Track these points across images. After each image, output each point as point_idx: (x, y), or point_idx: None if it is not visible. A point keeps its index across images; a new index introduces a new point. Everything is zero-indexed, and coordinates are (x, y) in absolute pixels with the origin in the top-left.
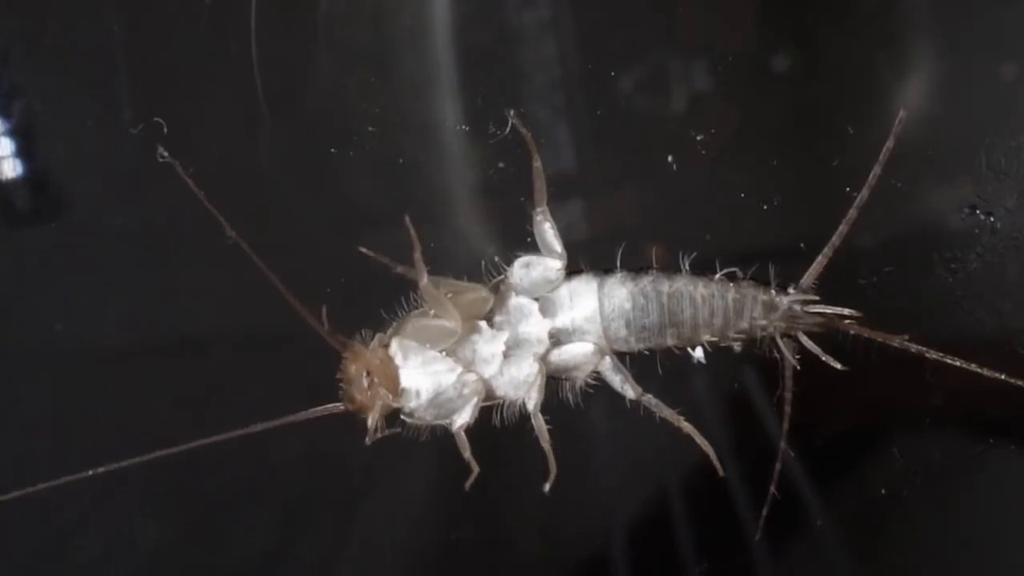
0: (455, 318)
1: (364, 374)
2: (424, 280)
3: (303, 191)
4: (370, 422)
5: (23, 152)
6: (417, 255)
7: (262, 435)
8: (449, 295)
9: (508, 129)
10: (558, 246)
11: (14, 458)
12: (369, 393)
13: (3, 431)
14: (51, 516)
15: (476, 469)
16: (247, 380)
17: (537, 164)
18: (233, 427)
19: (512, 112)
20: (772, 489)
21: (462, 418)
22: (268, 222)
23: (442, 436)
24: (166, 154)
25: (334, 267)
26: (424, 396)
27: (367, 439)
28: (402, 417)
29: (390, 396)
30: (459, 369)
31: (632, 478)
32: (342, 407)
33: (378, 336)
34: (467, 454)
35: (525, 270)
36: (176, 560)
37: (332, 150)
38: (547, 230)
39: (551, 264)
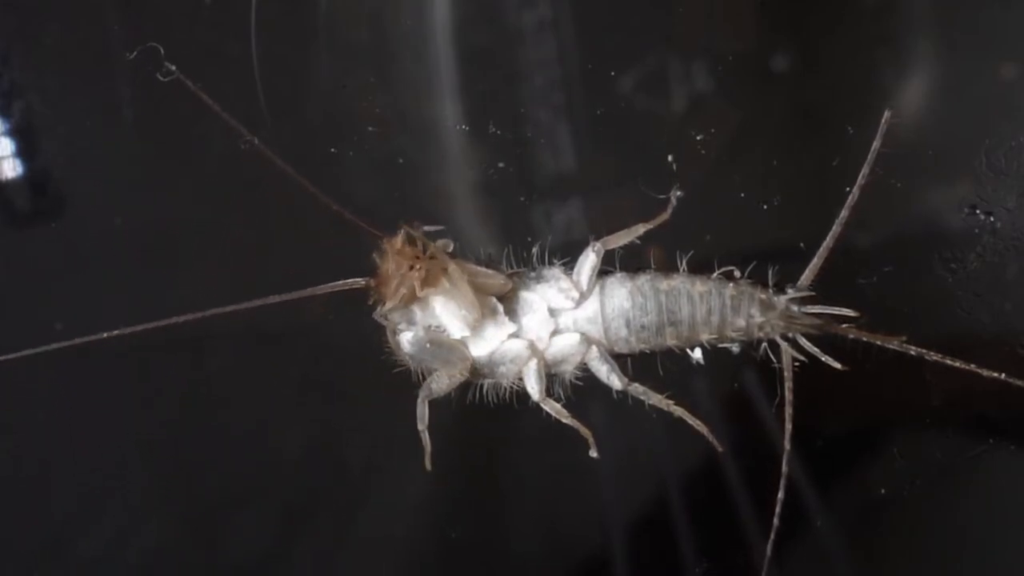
0: (475, 312)
1: (414, 258)
2: (451, 266)
3: (303, 191)
4: (389, 299)
5: (23, 152)
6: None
7: (261, 435)
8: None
9: None
10: (586, 283)
11: (14, 458)
12: (403, 276)
13: (3, 431)
14: (51, 516)
15: (428, 444)
16: (247, 379)
17: (641, 229)
18: (232, 427)
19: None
20: (778, 502)
21: (437, 385)
22: (268, 222)
23: (442, 436)
24: (173, 67)
25: (334, 267)
26: (424, 326)
27: (376, 312)
28: (387, 336)
29: (419, 289)
30: (468, 334)
31: (632, 478)
32: (362, 282)
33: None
34: (422, 426)
35: (551, 279)
36: (176, 560)
37: (332, 150)
38: (591, 264)
39: (572, 293)
